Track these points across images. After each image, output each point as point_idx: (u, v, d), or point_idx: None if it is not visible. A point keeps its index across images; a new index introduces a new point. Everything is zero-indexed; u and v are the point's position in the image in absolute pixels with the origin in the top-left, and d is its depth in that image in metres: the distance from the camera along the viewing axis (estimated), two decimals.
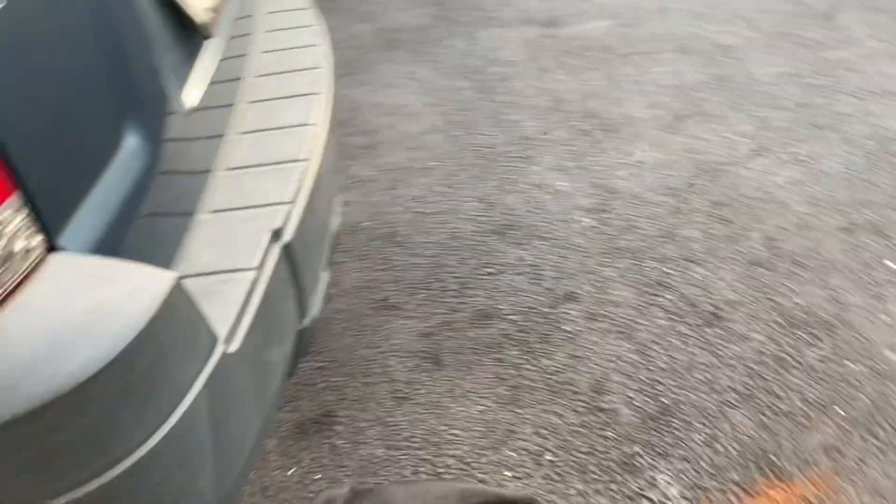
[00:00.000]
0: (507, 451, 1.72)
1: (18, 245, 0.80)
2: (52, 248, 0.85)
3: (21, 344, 0.76)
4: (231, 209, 1.17)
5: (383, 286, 2.19)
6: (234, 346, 1.00)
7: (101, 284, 0.86)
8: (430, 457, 1.72)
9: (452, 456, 1.71)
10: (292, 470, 1.71)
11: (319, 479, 1.68)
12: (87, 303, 0.83)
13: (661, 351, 1.93)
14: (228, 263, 1.08)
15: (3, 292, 0.78)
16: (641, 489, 1.62)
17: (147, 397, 0.86)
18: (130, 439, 0.85)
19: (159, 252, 1.07)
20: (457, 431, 1.77)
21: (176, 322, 0.89)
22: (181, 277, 0.90)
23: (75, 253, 0.88)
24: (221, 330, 0.99)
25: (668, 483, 1.62)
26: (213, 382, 0.95)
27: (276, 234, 1.14)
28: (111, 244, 0.95)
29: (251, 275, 1.07)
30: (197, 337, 0.93)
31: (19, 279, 0.80)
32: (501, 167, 2.67)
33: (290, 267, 1.16)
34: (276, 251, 1.12)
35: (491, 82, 3.20)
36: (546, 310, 2.08)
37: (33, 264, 0.82)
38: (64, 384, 0.75)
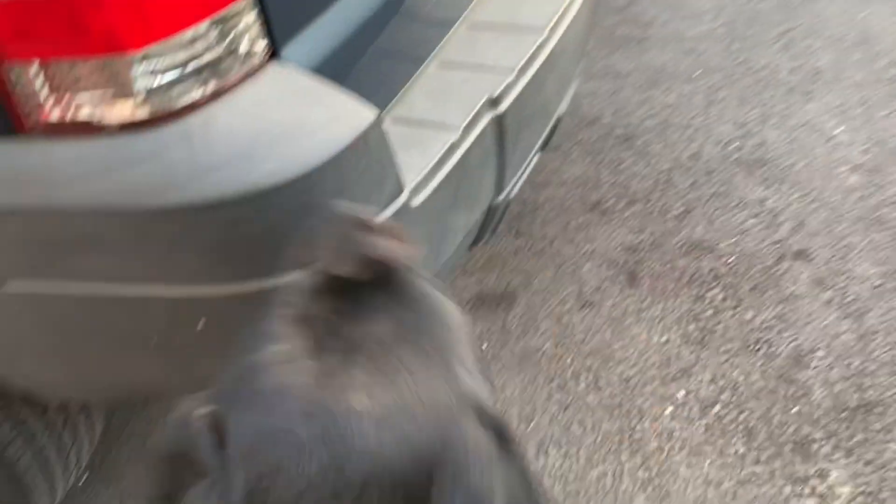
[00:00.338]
0: (676, 390, 1.63)
1: (244, 45, 0.84)
2: (273, 57, 0.89)
3: (220, 139, 0.81)
4: (457, 66, 1.15)
5: (602, 187, 2.10)
6: (418, 199, 1.00)
7: (307, 103, 0.88)
8: (594, 366, 1.68)
9: (618, 374, 1.66)
10: None
11: (483, 349, 1.72)
12: (290, 118, 0.86)
13: (887, 344, 1.69)
14: (437, 118, 1.07)
15: (221, 88, 0.83)
16: (808, 476, 1.47)
17: None
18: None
19: (377, 91, 1.08)
20: (630, 353, 1.70)
21: (366, 158, 0.91)
22: (382, 117, 0.91)
23: (295, 67, 0.90)
24: (411, 180, 1.00)
25: (842, 481, 1.46)
26: None
27: (493, 103, 1.11)
28: (333, 70, 0.98)
29: (455, 135, 1.05)
30: (384, 179, 0.95)
31: (237, 78, 0.85)
32: (773, 96, 2.39)
33: (498, 138, 1.12)
34: (486, 118, 1.09)
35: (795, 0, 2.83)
36: (770, 262, 1.88)
37: (253, 68, 0.86)
38: (246, 188, 0.80)
